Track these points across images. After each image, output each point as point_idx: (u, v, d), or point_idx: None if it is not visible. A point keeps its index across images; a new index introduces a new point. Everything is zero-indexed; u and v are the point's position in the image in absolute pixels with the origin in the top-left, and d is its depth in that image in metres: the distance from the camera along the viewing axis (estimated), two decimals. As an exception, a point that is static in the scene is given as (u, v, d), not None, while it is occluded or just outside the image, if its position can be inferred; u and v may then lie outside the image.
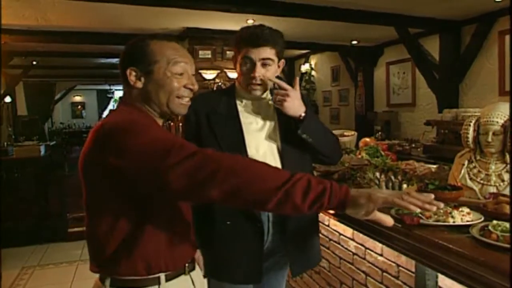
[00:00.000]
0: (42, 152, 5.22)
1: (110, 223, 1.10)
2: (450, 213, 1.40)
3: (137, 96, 1.19)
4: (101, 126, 1.10)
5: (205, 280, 1.55)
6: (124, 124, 1.07)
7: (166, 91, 1.17)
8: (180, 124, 4.90)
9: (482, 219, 1.40)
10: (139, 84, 1.17)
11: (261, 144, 1.59)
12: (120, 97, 1.26)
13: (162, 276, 1.15)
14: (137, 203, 1.10)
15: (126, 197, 1.09)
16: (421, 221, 1.40)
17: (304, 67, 8.66)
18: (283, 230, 1.60)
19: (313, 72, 8.69)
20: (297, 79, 1.62)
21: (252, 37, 1.51)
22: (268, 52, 1.52)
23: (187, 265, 1.23)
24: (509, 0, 4.17)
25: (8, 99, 8.33)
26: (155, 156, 1.00)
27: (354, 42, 6.60)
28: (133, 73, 1.17)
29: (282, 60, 1.63)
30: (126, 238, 1.10)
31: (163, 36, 1.24)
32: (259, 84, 1.55)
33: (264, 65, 1.53)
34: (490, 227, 1.25)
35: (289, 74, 9.45)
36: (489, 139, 1.71)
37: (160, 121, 1.24)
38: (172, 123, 6.10)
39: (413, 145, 4.64)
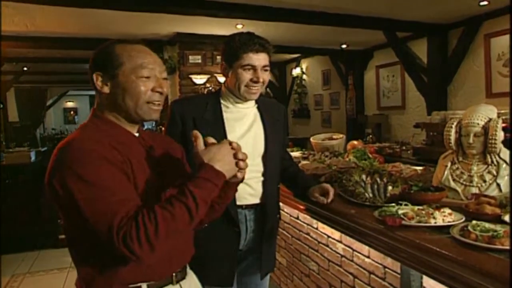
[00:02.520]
0: (33, 158, 5.19)
1: (82, 238, 1.07)
2: (432, 214, 1.43)
3: (105, 102, 1.15)
4: (62, 147, 1.06)
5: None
6: (73, 158, 1.01)
7: (132, 95, 1.12)
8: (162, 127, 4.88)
9: (463, 219, 1.42)
10: (106, 89, 1.13)
11: (244, 150, 1.61)
12: (92, 107, 1.19)
13: (144, 286, 1.11)
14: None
15: None
16: (403, 222, 1.42)
17: (296, 71, 8.71)
18: (260, 234, 1.67)
19: (304, 76, 8.74)
20: None
21: (254, 45, 1.55)
22: (266, 60, 1.60)
23: (175, 274, 1.19)
24: (496, 3, 4.25)
25: (-1, 105, 8.29)
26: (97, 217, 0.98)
27: (344, 46, 6.66)
28: (99, 78, 1.12)
29: None
30: (101, 253, 1.05)
31: (132, 40, 1.19)
32: (259, 89, 1.61)
33: (264, 71, 1.60)
34: (469, 227, 1.28)
35: (280, 78, 9.50)
36: (471, 141, 1.74)
37: (133, 128, 1.19)
38: (163, 128, 6.09)
39: (403, 148, 4.67)
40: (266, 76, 1.61)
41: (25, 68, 8.28)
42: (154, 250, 0.97)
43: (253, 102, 1.70)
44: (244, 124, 1.65)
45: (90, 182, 0.99)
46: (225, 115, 1.63)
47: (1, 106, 8.63)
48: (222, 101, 1.66)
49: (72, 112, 16.72)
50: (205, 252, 1.58)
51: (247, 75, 1.57)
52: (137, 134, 1.21)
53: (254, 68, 1.57)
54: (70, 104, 16.58)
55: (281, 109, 1.87)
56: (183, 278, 1.22)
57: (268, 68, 1.61)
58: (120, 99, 1.12)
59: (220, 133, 1.59)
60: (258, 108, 1.71)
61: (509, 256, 1.12)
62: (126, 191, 1.04)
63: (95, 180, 0.99)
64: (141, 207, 1.01)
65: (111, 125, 1.15)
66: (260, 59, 1.56)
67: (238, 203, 1.61)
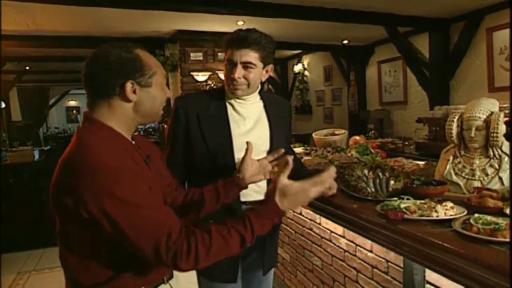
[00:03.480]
0: (36, 157, 5.21)
1: (84, 255, 1.08)
2: (434, 207, 1.43)
3: (123, 109, 1.11)
4: (74, 159, 1.02)
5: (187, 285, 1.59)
6: (108, 180, 0.98)
7: (160, 102, 1.16)
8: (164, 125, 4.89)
9: (466, 213, 1.42)
10: (134, 97, 1.10)
11: None
12: (86, 113, 1.14)
13: None
14: (113, 242, 1.04)
15: (100, 237, 1.03)
16: (405, 216, 1.42)
17: (297, 67, 8.70)
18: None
19: (306, 72, 8.73)
20: None
21: (235, 40, 1.54)
22: (250, 56, 1.54)
23: (165, 276, 1.24)
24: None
25: (1, 104, 8.30)
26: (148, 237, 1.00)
27: (345, 41, 6.64)
28: (130, 86, 1.08)
29: (270, 65, 1.65)
30: (101, 270, 1.08)
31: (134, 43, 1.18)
32: (239, 85, 1.57)
33: (245, 67, 1.55)
34: (471, 220, 1.28)
35: (282, 75, 9.49)
36: (472, 134, 1.73)
37: (130, 136, 1.17)
38: (166, 126, 6.10)
39: (406, 143, 4.66)
40: (248, 73, 1.55)
41: (27, 67, 8.30)
42: (197, 267, 1.03)
43: (257, 98, 1.68)
44: (249, 120, 1.64)
45: (133, 203, 0.99)
46: (229, 111, 1.63)
47: (4, 105, 8.67)
48: (226, 97, 1.65)
49: (74, 111, 16.80)
50: None
51: (228, 71, 1.57)
52: (133, 142, 1.20)
53: (233, 63, 1.54)
54: (72, 103, 16.66)
55: (286, 105, 1.86)
56: (171, 277, 1.28)
57: (251, 65, 1.55)
58: (147, 107, 1.14)
59: (224, 129, 1.59)
60: (264, 104, 1.70)
61: (510, 248, 1.12)
62: (160, 204, 1.08)
63: (137, 200, 1.00)
64: (180, 222, 1.05)
65: (113, 134, 1.11)
66: (240, 54, 1.52)
67: (242, 199, 1.61)
